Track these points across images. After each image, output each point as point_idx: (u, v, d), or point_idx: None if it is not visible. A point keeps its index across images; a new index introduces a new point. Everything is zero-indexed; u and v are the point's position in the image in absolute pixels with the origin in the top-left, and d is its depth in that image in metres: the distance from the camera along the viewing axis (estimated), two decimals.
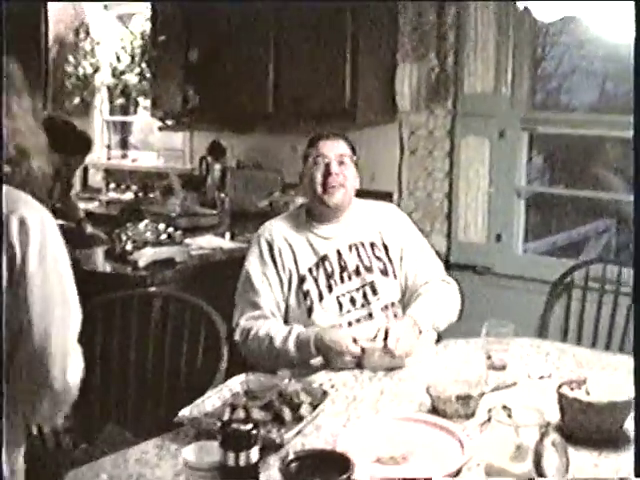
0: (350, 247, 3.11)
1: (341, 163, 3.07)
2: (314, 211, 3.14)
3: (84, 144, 4.95)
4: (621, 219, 5.42)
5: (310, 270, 3.05)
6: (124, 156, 7.55)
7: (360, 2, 4.83)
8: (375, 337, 2.78)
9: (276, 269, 3.04)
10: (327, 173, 3.05)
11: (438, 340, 3.12)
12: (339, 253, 3.09)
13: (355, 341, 2.77)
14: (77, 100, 7.37)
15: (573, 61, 5.24)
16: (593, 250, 5.50)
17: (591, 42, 4.56)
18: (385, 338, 2.75)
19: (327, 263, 3.07)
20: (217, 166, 5.86)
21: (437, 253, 3.38)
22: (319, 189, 3.06)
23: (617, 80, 5.04)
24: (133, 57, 7.10)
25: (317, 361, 2.89)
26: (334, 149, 3.09)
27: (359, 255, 3.11)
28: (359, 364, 2.77)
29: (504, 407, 1.90)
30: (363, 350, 2.76)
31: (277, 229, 3.13)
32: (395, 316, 3.07)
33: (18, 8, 6.79)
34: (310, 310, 3.01)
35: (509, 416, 1.88)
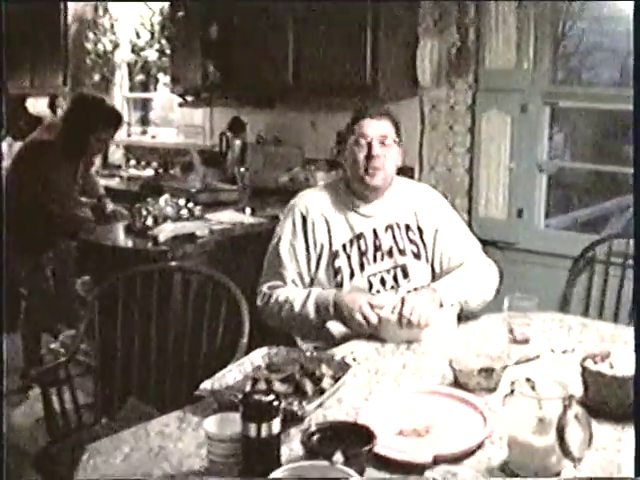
0: (386, 228, 3.08)
1: (382, 144, 3.01)
2: (354, 188, 3.10)
3: (115, 119, 4.96)
4: None
5: (344, 246, 3.03)
6: (144, 133, 7.57)
7: None
8: (394, 307, 2.77)
9: (306, 244, 3.03)
10: (369, 155, 2.99)
11: (461, 317, 3.09)
12: (375, 232, 3.07)
13: (372, 306, 2.77)
14: (97, 77, 7.42)
15: (594, 38, 5.18)
16: (615, 226, 5.46)
17: (612, 18, 4.51)
18: (402, 309, 2.74)
19: (362, 241, 3.05)
20: (237, 142, 5.85)
21: None
22: (361, 170, 3.01)
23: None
24: (152, 33, 7.12)
25: (338, 332, 2.89)
26: (377, 129, 3.02)
27: (394, 236, 3.08)
28: (375, 335, 2.77)
29: (527, 380, 1.88)
30: (379, 319, 2.75)
31: (314, 201, 3.10)
32: None
33: None
34: (340, 287, 2.99)
35: (532, 389, 1.87)
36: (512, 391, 1.91)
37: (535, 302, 2.62)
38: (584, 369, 2.22)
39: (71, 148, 4.80)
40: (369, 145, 3.00)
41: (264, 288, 3.03)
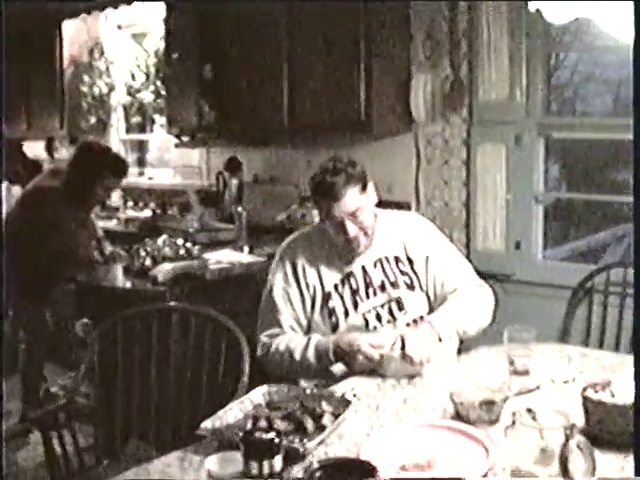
0: (375, 263, 3.05)
1: (354, 216, 2.91)
2: None
3: (121, 167, 4.97)
4: None
5: (336, 287, 3.01)
6: (141, 174, 7.60)
7: (373, 15, 4.83)
8: (393, 344, 2.75)
9: (299, 288, 3.01)
10: (344, 235, 2.93)
11: (461, 349, 3.09)
12: (364, 269, 3.04)
13: (372, 346, 2.75)
14: (93, 119, 7.46)
15: (587, 68, 5.21)
16: (613, 256, 5.45)
17: (604, 48, 4.54)
18: (403, 346, 2.73)
19: (352, 279, 3.02)
20: (234, 181, 5.87)
21: None
22: (342, 246, 2.98)
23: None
24: (148, 75, 7.17)
25: (339, 370, 2.88)
26: (345, 208, 2.88)
27: (384, 270, 3.05)
28: (376, 371, 2.76)
29: (528, 410, 1.88)
30: (381, 355, 2.74)
31: (301, 246, 3.08)
32: None
33: (34, 30, 6.91)
34: (336, 327, 2.98)
35: (533, 419, 1.86)
36: (513, 422, 1.91)
37: (534, 334, 2.62)
38: (585, 398, 2.20)
39: (77, 195, 4.79)
40: (341, 225, 2.91)
41: (262, 337, 3.01)
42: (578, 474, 1.79)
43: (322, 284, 3.01)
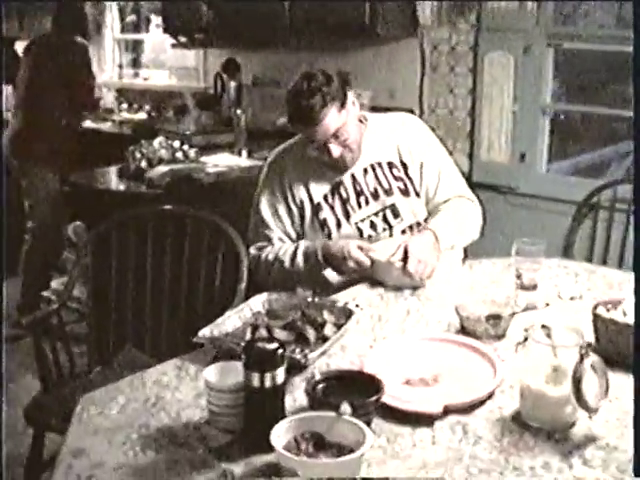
0: (366, 170, 2.95)
1: (337, 137, 2.79)
2: None
3: None
4: None
5: (325, 197, 2.93)
6: (136, 75, 7.45)
7: None
8: (393, 254, 2.67)
9: (286, 203, 2.93)
10: (328, 156, 2.82)
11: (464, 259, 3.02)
12: (353, 177, 2.94)
13: (361, 248, 2.68)
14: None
15: None
16: (616, 172, 5.39)
17: None
18: (405, 258, 2.65)
19: (342, 189, 2.93)
20: (232, 84, 5.75)
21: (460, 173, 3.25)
22: (328, 165, 2.89)
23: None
24: None
25: (335, 278, 2.84)
26: (325, 130, 2.75)
27: (377, 177, 2.95)
28: (377, 281, 2.69)
29: (543, 326, 1.81)
30: (372, 261, 2.67)
31: (288, 158, 2.98)
32: None
33: None
34: (329, 239, 2.90)
35: (548, 336, 1.79)
36: (525, 338, 1.84)
37: (543, 247, 2.54)
38: (596, 316, 2.14)
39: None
40: (324, 146, 2.80)
41: (252, 250, 2.94)
42: (591, 395, 1.73)
43: (310, 197, 2.92)
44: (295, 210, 2.93)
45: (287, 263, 2.82)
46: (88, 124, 6.11)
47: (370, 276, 2.73)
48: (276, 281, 2.84)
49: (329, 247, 2.76)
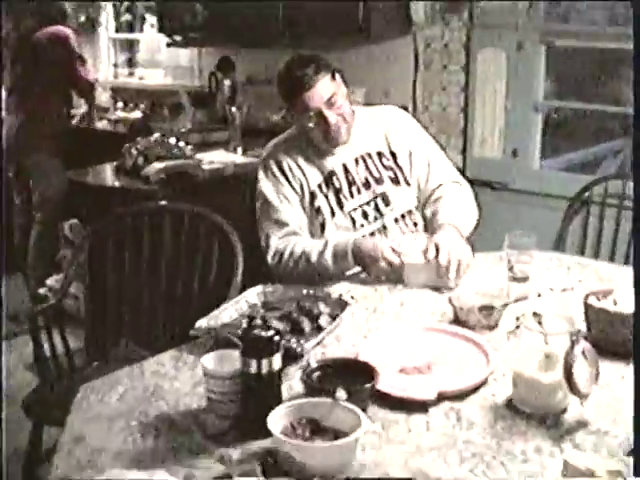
0: (357, 160, 3.00)
1: (331, 104, 2.86)
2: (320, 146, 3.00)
3: None
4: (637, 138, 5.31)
5: (320, 187, 2.97)
6: (131, 74, 7.46)
7: None
8: (425, 252, 2.65)
9: (290, 185, 2.95)
10: (325, 123, 2.87)
11: None
12: (345, 167, 2.99)
13: (393, 250, 2.68)
14: (82, 18, 7.26)
15: None
16: (609, 168, 5.42)
17: None
18: (436, 255, 2.62)
19: (335, 179, 2.98)
20: (227, 82, 5.77)
21: None
22: (322, 138, 2.92)
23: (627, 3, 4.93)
24: None
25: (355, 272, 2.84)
26: (319, 96, 2.82)
27: (367, 167, 3.00)
28: (399, 279, 2.67)
29: (534, 314, 1.84)
30: (402, 263, 2.66)
31: (281, 148, 3.02)
32: (415, 225, 3.00)
33: None
34: (323, 226, 2.94)
35: (539, 324, 1.82)
36: (517, 326, 1.87)
37: (534, 239, 2.59)
38: (587, 306, 2.18)
39: None
40: (320, 115, 2.86)
41: (272, 243, 2.90)
42: (582, 381, 1.77)
43: (308, 183, 2.97)
44: (299, 192, 2.95)
45: (314, 258, 2.80)
46: (84, 124, 6.16)
47: (398, 279, 2.69)
48: (301, 275, 2.83)
49: (360, 246, 2.75)
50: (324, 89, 2.83)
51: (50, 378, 2.94)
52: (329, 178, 2.97)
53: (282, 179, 2.96)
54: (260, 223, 2.98)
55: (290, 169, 2.97)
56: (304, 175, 2.97)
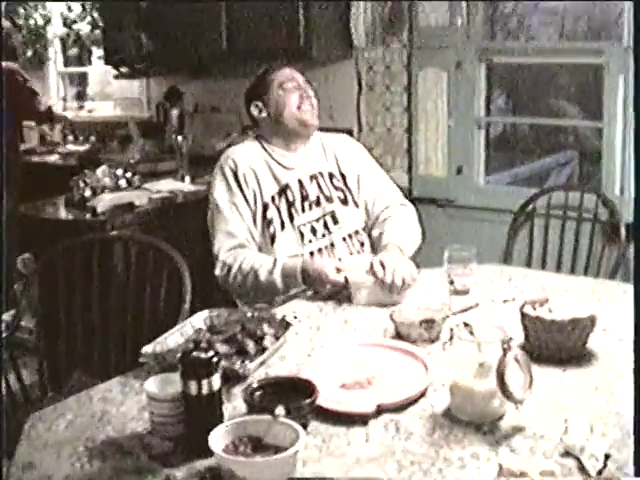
0: (311, 178, 3.11)
1: (307, 84, 3.12)
2: (288, 132, 3.09)
3: None
4: (583, 151, 5.43)
5: (273, 198, 3.04)
6: (81, 107, 7.46)
7: None
8: (370, 270, 2.72)
9: (243, 195, 3.01)
10: (302, 96, 3.06)
11: None
12: (300, 183, 3.08)
13: (338, 270, 2.76)
14: (30, 53, 7.27)
15: None
16: (555, 181, 5.51)
17: None
18: (382, 273, 2.70)
19: (289, 192, 3.06)
20: (174, 111, 5.79)
21: (399, 188, 3.35)
22: (298, 112, 3.04)
23: (575, 17, 5.04)
24: (84, 6, 7.00)
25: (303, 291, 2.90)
26: (297, 73, 3.12)
27: (319, 186, 3.11)
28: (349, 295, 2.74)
29: (465, 324, 1.89)
30: (347, 281, 2.73)
31: (239, 156, 3.08)
32: (362, 244, 3.10)
33: None
34: (273, 238, 3.00)
35: (471, 333, 1.87)
36: (451, 337, 1.92)
37: (474, 252, 2.63)
38: (523, 315, 2.23)
39: None
40: (299, 87, 3.07)
41: (221, 255, 2.96)
42: (515, 386, 1.82)
43: (261, 193, 3.03)
44: (251, 204, 3.00)
45: (263, 277, 2.86)
46: (35, 158, 6.18)
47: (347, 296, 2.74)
48: (248, 291, 2.93)
49: (308, 268, 2.82)
50: (298, 71, 3.12)
51: (6, 412, 2.94)
52: (284, 190, 3.05)
53: (236, 188, 3.01)
54: (211, 229, 3.05)
55: (245, 178, 3.02)
56: (259, 185, 3.03)
